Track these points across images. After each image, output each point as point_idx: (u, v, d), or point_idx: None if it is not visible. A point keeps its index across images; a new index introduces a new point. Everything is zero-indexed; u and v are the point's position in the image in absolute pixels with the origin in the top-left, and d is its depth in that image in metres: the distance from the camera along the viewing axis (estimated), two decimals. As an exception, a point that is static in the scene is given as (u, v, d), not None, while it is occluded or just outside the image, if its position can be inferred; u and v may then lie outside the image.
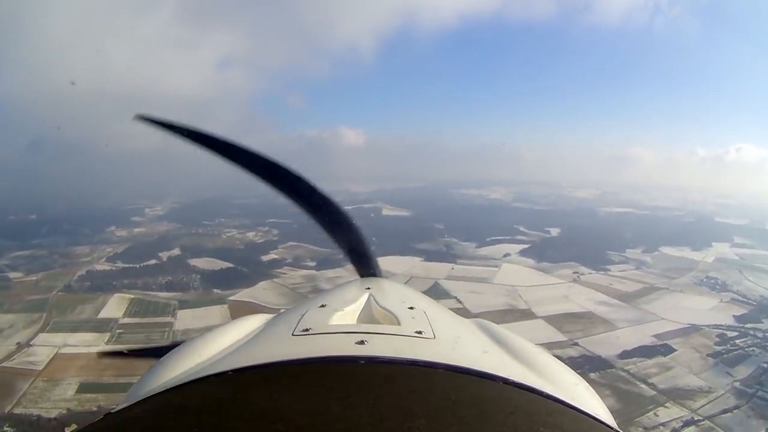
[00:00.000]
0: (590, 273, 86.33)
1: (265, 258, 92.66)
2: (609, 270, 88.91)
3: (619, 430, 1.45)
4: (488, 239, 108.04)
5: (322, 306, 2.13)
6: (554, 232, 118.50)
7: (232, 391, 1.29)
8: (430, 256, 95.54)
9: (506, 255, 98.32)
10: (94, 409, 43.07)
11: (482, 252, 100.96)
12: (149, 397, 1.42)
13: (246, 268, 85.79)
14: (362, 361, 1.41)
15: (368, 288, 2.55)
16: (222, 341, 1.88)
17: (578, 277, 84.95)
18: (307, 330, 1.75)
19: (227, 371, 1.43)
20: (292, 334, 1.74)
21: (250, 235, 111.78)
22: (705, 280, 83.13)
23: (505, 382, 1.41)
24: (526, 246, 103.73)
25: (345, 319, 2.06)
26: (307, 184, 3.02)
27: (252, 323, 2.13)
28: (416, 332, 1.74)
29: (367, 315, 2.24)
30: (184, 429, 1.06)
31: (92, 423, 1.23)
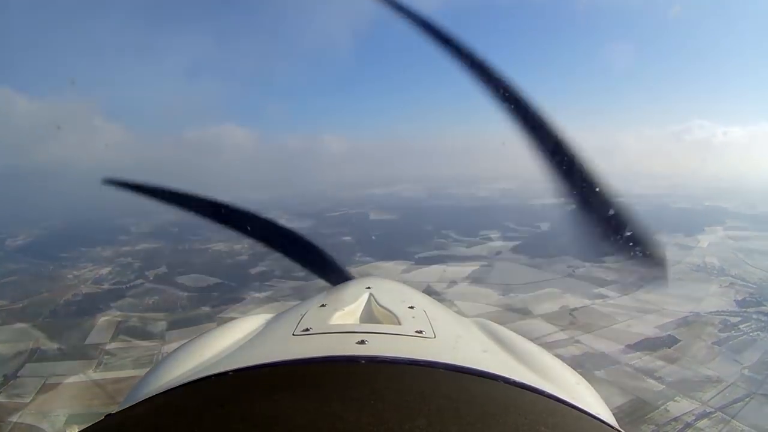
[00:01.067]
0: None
1: (253, 271, 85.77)
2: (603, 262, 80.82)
3: (620, 429, 1.44)
4: (417, 257, 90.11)
5: (323, 306, 2.18)
6: (495, 236, 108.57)
7: (232, 391, 1.30)
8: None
9: (452, 283, 75.82)
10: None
11: (409, 276, 78.20)
12: (150, 397, 1.43)
13: (234, 282, 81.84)
14: (363, 361, 1.43)
15: (368, 287, 2.56)
16: (222, 341, 1.90)
17: (573, 271, 78.19)
18: (307, 330, 1.79)
19: (227, 371, 1.44)
20: (293, 334, 1.77)
21: (238, 247, 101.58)
22: (702, 265, 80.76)
23: (506, 381, 1.42)
24: (482, 266, 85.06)
25: (345, 318, 2.09)
26: (259, 219, 3.23)
27: (252, 323, 2.15)
28: (417, 332, 1.77)
29: (368, 314, 2.27)
30: (185, 429, 1.06)
31: (93, 424, 1.23)
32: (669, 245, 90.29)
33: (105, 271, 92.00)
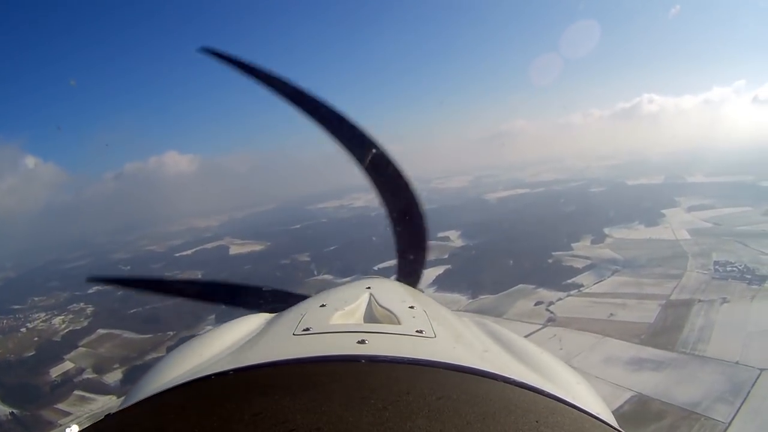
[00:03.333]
0: (559, 299, 64.63)
1: (54, 373, 66.17)
2: (577, 284, 68.27)
3: (620, 429, 1.44)
4: (375, 268, 79.77)
5: (323, 306, 2.18)
6: (454, 236, 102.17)
7: (232, 391, 1.30)
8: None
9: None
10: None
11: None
12: (150, 397, 1.44)
13: (18, 404, 61.04)
14: (363, 361, 1.43)
15: (368, 287, 2.55)
16: (222, 341, 1.91)
17: (551, 313, 61.25)
18: (307, 329, 1.78)
19: (228, 371, 1.45)
20: (293, 334, 1.77)
21: (58, 321, 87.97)
22: (719, 269, 66.83)
23: (506, 381, 1.42)
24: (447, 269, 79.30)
25: (345, 318, 2.10)
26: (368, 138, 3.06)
27: (252, 323, 2.15)
28: (417, 331, 1.77)
29: (368, 314, 2.27)
30: (185, 429, 1.07)
31: (93, 423, 1.24)
32: (638, 242, 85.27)
33: (58, 320, 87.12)
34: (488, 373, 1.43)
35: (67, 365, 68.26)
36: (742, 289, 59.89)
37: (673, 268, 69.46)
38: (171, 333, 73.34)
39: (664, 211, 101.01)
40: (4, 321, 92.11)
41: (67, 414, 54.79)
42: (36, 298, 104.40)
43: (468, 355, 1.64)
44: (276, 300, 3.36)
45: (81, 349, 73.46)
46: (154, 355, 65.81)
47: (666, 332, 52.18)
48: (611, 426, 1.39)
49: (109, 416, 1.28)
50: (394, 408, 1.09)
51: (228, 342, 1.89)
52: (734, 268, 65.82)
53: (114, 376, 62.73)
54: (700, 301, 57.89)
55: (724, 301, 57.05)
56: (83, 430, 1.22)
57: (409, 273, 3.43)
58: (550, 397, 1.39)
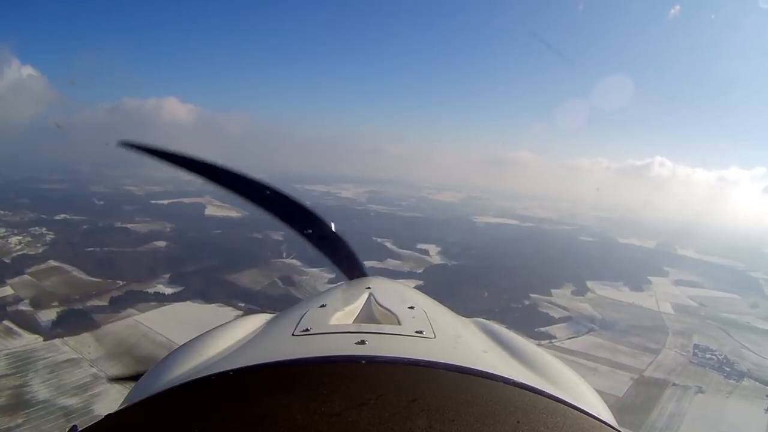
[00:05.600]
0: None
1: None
2: (550, 334, 65.08)
3: (620, 429, 1.45)
4: None
5: (322, 306, 2.17)
6: (433, 251, 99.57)
7: (232, 391, 1.31)
8: (250, 298, 67.53)
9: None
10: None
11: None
12: (150, 397, 1.44)
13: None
14: (363, 361, 1.44)
15: (368, 288, 2.57)
16: (222, 341, 1.89)
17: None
18: (307, 330, 1.79)
19: (227, 371, 1.45)
20: (293, 334, 1.78)
21: (14, 240, 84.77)
22: (698, 353, 63.77)
23: (506, 381, 1.43)
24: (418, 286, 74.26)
25: (345, 318, 2.10)
26: (288, 199, 3.21)
27: (252, 323, 2.12)
28: (417, 332, 1.77)
29: (368, 315, 2.27)
30: (185, 429, 1.09)
31: (93, 423, 1.25)
32: (620, 304, 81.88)
33: (15, 239, 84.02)
34: (488, 373, 1.44)
35: (6, 291, 65.69)
36: (719, 381, 56.37)
37: (652, 341, 66.12)
38: (120, 282, 70.58)
39: (651, 277, 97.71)
40: None
41: None
42: (2, 212, 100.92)
43: (468, 355, 1.66)
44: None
45: (26, 277, 70.54)
46: (96, 302, 64.11)
47: (634, 411, 48.32)
48: (611, 426, 1.40)
49: (109, 416, 1.29)
50: (394, 408, 1.11)
51: (228, 342, 1.87)
52: (714, 356, 62.45)
53: (49, 315, 59.69)
54: (674, 384, 54.46)
55: (699, 390, 53.60)
56: (83, 430, 1.23)
57: (350, 269, 3.33)
58: (550, 398, 1.40)
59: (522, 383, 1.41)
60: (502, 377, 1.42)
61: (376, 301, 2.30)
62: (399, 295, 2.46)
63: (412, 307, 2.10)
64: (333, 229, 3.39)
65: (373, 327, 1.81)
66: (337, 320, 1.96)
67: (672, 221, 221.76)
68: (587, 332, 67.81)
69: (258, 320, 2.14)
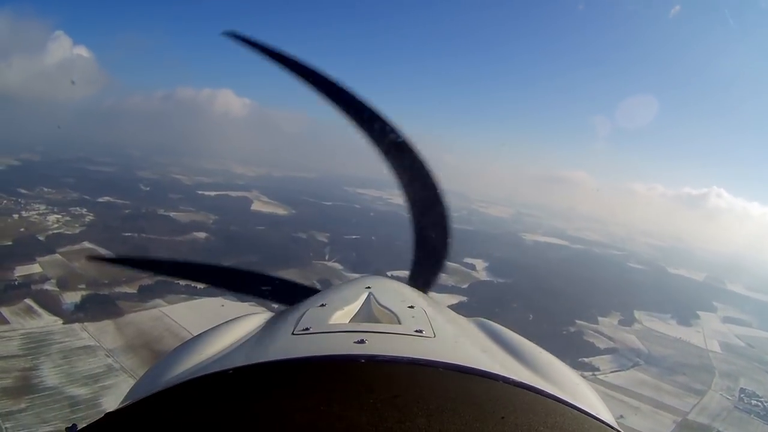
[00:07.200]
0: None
1: (19, 272, 64.21)
2: (594, 366, 64.02)
3: (619, 429, 1.46)
4: (389, 273, 69.30)
5: (322, 305, 2.18)
6: (480, 266, 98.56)
7: (232, 391, 1.31)
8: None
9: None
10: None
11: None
12: (149, 396, 1.43)
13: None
14: (362, 360, 1.43)
15: (368, 287, 2.57)
16: (222, 340, 1.90)
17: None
18: (307, 329, 1.79)
19: (227, 370, 1.45)
20: (292, 333, 1.77)
21: (52, 219, 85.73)
22: (743, 398, 62.18)
23: (506, 381, 1.43)
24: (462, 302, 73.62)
25: (345, 318, 2.10)
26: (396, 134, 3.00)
27: (252, 322, 2.14)
28: (416, 331, 1.77)
29: (367, 314, 2.30)
30: (185, 428, 1.09)
31: (93, 422, 1.24)
32: (667, 338, 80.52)
33: (53, 218, 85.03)
34: (488, 373, 1.44)
35: (35, 268, 66.13)
36: (764, 431, 55.25)
37: (698, 381, 65.20)
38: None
39: (699, 312, 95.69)
40: (4, 201, 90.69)
41: (5, 323, 52.53)
42: (46, 189, 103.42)
43: (467, 355, 1.68)
44: (282, 291, 3.42)
45: (57, 256, 70.93)
46: (124, 289, 63.80)
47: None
48: (611, 427, 1.40)
49: (109, 414, 1.28)
50: (394, 408, 1.11)
51: (228, 341, 1.88)
52: (759, 403, 61.12)
53: (73, 297, 59.66)
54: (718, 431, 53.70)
55: (743, 440, 52.55)
56: (83, 429, 1.23)
57: (421, 282, 3.28)
58: (549, 398, 1.40)
59: (522, 383, 1.44)
60: (502, 377, 1.45)
61: (375, 300, 2.35)
62: (399, 295, 2.53)
63: (411, 307, 2.15)
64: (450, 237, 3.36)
65: (372, 326, 1.84)
66: (337, 319, 2.01)
67: (722, 254, 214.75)
68: (632, 366, 67.19)
69: (258, 319, 2.20)
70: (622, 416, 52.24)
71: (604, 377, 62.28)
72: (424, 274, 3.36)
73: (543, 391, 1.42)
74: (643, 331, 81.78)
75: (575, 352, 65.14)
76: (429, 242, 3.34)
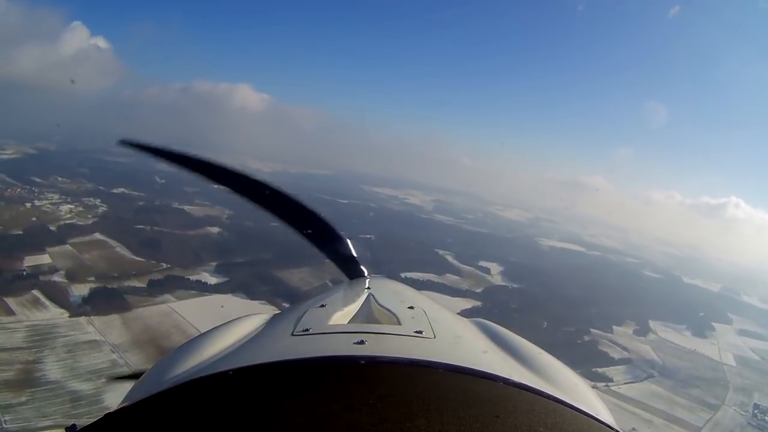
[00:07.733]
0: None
1: (28, 262, 62.86)
2: (607, 377, 63.37)
3: (619, 430, 1.46)
4: (402, 275, 71.10)
5: (322, 306, 2.20)
6: (495, 270, 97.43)
7: (232, 391, 1.31)
8: (296, 298, 58.86)
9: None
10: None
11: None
12: (149, 396, 1.43)
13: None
14: (362, 361, 1.44)
15: (368, 288, 2.65)
16: (222, 341, 1.90)
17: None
18: (307, 330, 1.80)
19: (227, 371, 1.46)
20: (292, 334, 1.78)
21: (65, 209, 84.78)
22: (757, 414, 61.73)
23: (506, 382, 1.44)
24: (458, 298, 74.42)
25: (345, 318, 2.14)
26: (288, 199, 3.29)
27: (252, 323, 2.14)
28: (416, 332, 1.78)
29: (367, 314, 2.33)
30: (184, 429, 1.10)
31: (92, 422, 1.25)
32: (681, 350, 80.00)
33: (66, 208, 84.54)
34: (487, 374, 1.44)
35: (44, 259, 64.73)
36: (777, 449, 54.86)
37: (711, 395, 64.93)
38: (164, 265, 69.94)
39: (715, 324, 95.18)
40: (18, 190, 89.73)
41: (11, 314, 52.02)
42: (60, 178, 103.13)
43: (467, 355, 1.67)
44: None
45: (67, 247, 69.96)
46: (133, 283, 63.21)
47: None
48: (611, 427, 1.40)
49: (108, 415, 1.28)
50: (394, 409, 1.11)
51: (228, 342, 1.88)
52: (773, 419, 60.60)
53: (81, 289, 58.98)
54: (730, 449, 53.28)
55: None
56: (83, 428, 1.23)
57: (350, 269, 3.40)
58: (549, 399, 1.40)
59: (522, 383, 1.45)
60: (502, 377, 1.45)
61: (375, 301, 2.37)
62: (399, 295, 2.53)
63: (411, 307, 2.16)
64: (336, 230, 3.55)
65: (372, 327, 1.85)
66: (337, 320, 2.02)
67: (738, 265, 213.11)
68: (646, 378, 66.95)
69: (258, 320, 2.20)
70: (634, 429, 52.55)
71: (617, 389, 62.14)
72: (344, 263, 3.50)
73: (543, 391, 1.44)
74: (658, 341, 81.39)
75: (589, 361, 65.17)
76: (319, 237, 3.52)
